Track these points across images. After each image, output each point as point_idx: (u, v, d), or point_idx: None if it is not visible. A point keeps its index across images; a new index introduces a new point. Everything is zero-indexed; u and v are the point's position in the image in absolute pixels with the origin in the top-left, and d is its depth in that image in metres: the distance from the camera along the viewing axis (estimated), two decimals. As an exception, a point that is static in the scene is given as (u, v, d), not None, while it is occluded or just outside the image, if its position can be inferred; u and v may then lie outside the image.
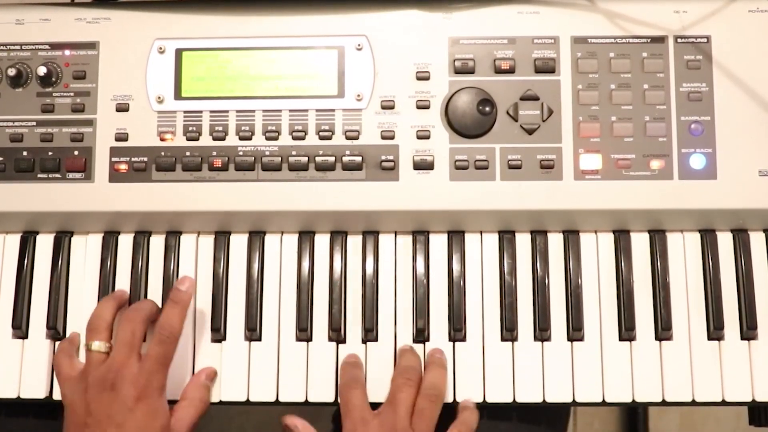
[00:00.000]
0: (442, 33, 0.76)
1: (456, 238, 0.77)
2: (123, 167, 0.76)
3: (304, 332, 0.76)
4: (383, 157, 0.75)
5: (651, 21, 0.76)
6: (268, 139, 0.76)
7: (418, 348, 0.76)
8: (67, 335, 0.77)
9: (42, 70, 0.75)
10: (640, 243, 0.77)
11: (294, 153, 0.75)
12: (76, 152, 0.76)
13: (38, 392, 0.76)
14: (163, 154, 0.76)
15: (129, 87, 0.76)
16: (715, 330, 0.75)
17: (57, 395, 0.76)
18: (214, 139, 0.76)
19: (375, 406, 0.72)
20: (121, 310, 0.75)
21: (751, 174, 0.74)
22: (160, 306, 0.75)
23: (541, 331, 0.75)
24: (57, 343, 0.77)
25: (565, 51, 0.76)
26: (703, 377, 0.74)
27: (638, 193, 0.74)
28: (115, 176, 0.76)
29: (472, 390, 0.74)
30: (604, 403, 0.74)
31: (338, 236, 0.78)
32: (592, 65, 0.75)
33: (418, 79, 0.76)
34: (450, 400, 0.74)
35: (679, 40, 0.76)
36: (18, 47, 0.77)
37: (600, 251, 0.77)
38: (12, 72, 0.75)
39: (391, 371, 0.74)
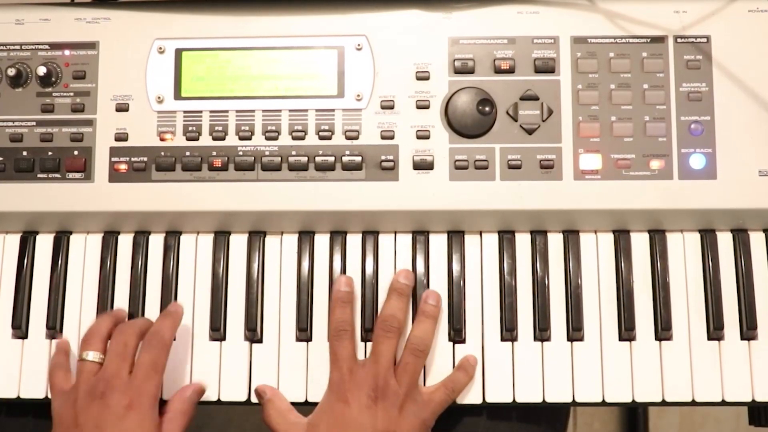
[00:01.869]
0: (442, 33, 0.76)
1: (456, 238, 0.77)
2: (123, 167, 0.76)
3: (303, 332, 0.76)
4: (383, 157, 0.75)
5: (651, 21, 0.76)
6: (267, 139, 0.76)
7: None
8: (65, 336, 0.77)
9: (42, 70, 0.75)
10: (640, 243, 0.77)
11: (294, 153, 0.75)
12: (76, 152, 0.76)
13: (38, 392, 0.76)
14: (162, 154, 0.76)
15: (129, 87, 0.77)
16: (715, 330, 0.75)
17: (57, 395, 0.76)
18: (214, 139, 0.76)
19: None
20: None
21: (751, 174, 0.74)
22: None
23: (541, 331, 0.75)
24: (55, 342, 0.77)
25: (565, 51, 0.76)
26: (702, 377, 0.74)
27: (638, 193, 0.74)
28: (114, 176, 0.76)
29: (472, 390, 0.74)
30: (603, 404, 0.74)
31: (338, 236, 0.78)
32: (592, 65, 0.75)
33: (418, 79, 0.76)
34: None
35: (679, 40, 0.76)
36: (18, 47, 0.77)
37: (600, 251, 0.77)
38: (12, 72, 0.75)
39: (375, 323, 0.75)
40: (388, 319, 0.73)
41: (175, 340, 0.76)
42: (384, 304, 0.74)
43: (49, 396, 0.76)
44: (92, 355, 0.70)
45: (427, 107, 0.75)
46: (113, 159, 0.76)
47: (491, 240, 0.77)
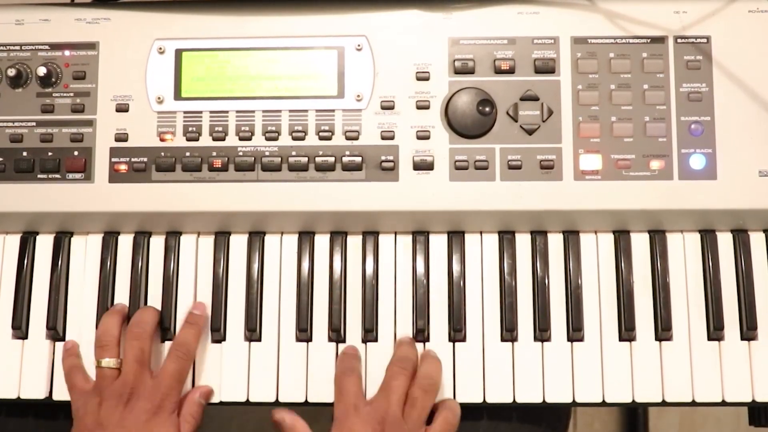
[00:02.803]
0: (442, 33, 0.76)
1: (456, 238, 0.77)
2: (123, 167, 0.76)
3: (304, 332, 0.76)
4: (383, 158, 0.75)
5: (651, 21, 0.76)
6: (268, 139, 0.76)
7: (418, 347, 0.76)
8: (67, 337, 0.77)
9: (42, 71, 0.75)
10: (640, 243, 0.77)
11: (294, 153, 0.75)
12: (76, 152, 0.76)
13: (38, 392, 0.76)
14: (163, 154, 0.76)
15: (129, 87, 0.76)
16: (715, 330, 0.75)
17: (57, 396, 0.76)
18: (214, 139, 0.76)
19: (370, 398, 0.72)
20: (125, 325, 0.75)
21: (751, 174, 0.74)
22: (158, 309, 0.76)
23: (541, 332, 0.75)
24: (56, 343, 0.77)
25: (565, 51, 0.76)
26: (703, 377, 0.74)
27: (638, 194, 0.74)
28: (115, 176, 0.76)
29: (472, 390, 0.74)
30: (604, 404, 0.74)
31: (338, 236, 0.78)
32: (592, 65, 0.75)
33: (418, 79, 0.76)
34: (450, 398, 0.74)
35: (679, 40, 0.75)
36: (18, 47, 0.77)
37: (600, 251, 0.77)
38: (12, 72, 0.75)
39: (387, 363, 0.74)
40: (404, 359, 0.73)
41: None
42: (400, 345, 0.74)
43: (49, 396, 0.76)
44: (109, 362, 0.72)
45: (428, 108, 0.75)
46: (113, 159, 0.76)
47: (491, 240, 0.77)
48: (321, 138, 0.75)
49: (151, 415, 0.69)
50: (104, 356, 0.72)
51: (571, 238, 0.77)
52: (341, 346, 0.76)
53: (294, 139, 0.75)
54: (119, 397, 0.70)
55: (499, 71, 0.75)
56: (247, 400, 0.75)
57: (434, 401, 0.72)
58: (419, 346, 0.76)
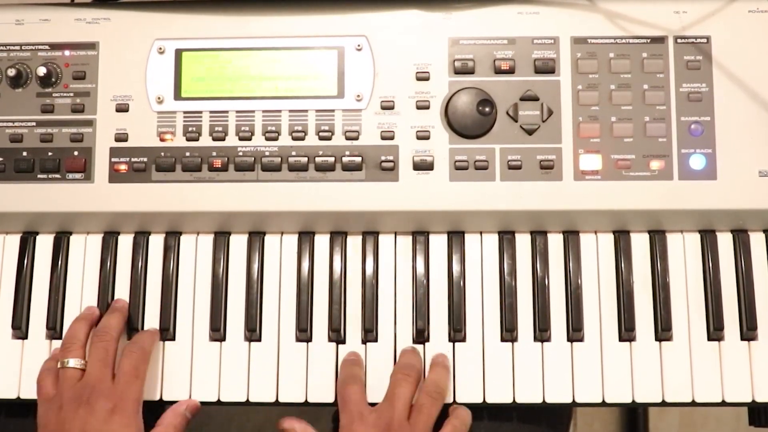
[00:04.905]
0: (442, 33, 0.76)
1: (456, 238, 0.77)
2: (123, 167, 0.76)
3: (303, 333, 0.76)
4: (383, 158, 0.75)
5: (651, 21, 0.76)
6: (267, 139, 0.76)
7: (418, 348, 0.76)
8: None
9: (42, 71, 0.75)
10: (640, 243, 0.77)
11: (294, 153, 0.75)
12: (75, 152, 0.76)
13: (38, 392, 0.76)
14: (162, 154, 0.76)
15: (129, 87, 0.76)
16: (715, 330, 0.75)
17: (57, 395, 0.76)
18: (214, 139, 0.76)
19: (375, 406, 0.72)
20: (93, 330, 0.75)
21: (751, 174, 0.74)
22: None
23: (541, 332, 0.75)
24: (56, 343, 0.77)
25: (565, 51, 0.76)
26: (703, 378, 0.74)
27: (638, 194, 0.74)
28: (114, 176, 0.76)
29: (472, 390, 0.74)
30: (604, 404, 0.74)
31: (338, 237, 0.78)
32: (592, 65, 0.75)
33: (418, 79, 0.76)
34: (450, 400, 0.74)
35: (679, 40, 0.75)
36: (18, 47, 0.77)
37: (600, 252, 0.77)
38: (12, 72, 0.75)
39: (391, 371, 0.74)
40: (409, 366, 0.72)
41: (174, 340, 0.76)
42: (405, 353, 0.74)
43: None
44: (74, 362, 0.72)
45: (427, 108, 0.75)
46: (113, 159, 0.76)
47: (491, 240, 0.77)
48: (321, 138, 0.75)
49: (111, 414, 0.68)
50: (68, 357, 0.72)
51: (571, 238, 0.77)
52: (341, 347, 0.76)
53: (294, 139, 0.75)
54: (79, 398, 0.69)
55: (499, 71, 0.75)
56: (247, 400, 0.75)
57: (440, 409, 0.72)
58: (419, 347, 0.76)
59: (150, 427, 0.71)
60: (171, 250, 0.78)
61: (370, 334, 0.76)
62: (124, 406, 0.69)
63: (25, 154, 0.76)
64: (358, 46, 0.76)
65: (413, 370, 0.72)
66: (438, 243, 0.78)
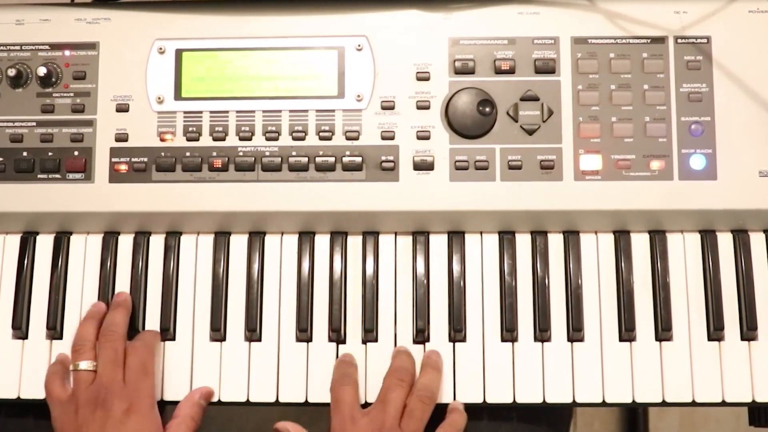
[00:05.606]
0: (442, 33, 0.76)
1: (456, 238, 0.77)
2: (123, 168, 0.76)
3: (304, 333, 0.76)
4: (383, 158, 0.75)
5: (651, 21, 0.76)
6: (268, 139, 0.76)
7: (418, 348, 0.76)
8: (66, 337, 0.77)
9: (42, 71, 0.75)
10: (640, 243, 0.77)
11: (294, 153, 0.75)
12: (76, 152, 0.76)
13: (38, 392, 0.76)
14: (163, 154, 0.76)
15: (129, 87, 0.76)
16: (715, 330, 0.75)
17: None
18: (214, 139, 0.76)
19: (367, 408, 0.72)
20: (101, 329, 0.75)
21: (751, 174, 0.74)
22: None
23: (541, 332, 0.75)
24: (56, 343, 0.77)
25: (565, 51, 0.76)
26: (703, 378, 0.74)
27: (638, 194, 0.74)
28: (115, 176, 0.76)
29: (473, 391, 0.74)
30: (604, 404, 0.74)
31: (338, 237, 0.78)
32: (592, 66, 0.75)
33: (418, 79, 0.76)
34: (450, 400, 0.74)
35: (679, 40, 0.75)
36: (18, 47, 0.77)
37: (600, 252, 0.77)
38: (12, 72, 0.75)
39: (385, 374, 0.74)
40: (401, 369, 0.72)
41: (174, 340, 0.76)
42: (397, 355, 0.74)
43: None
44: (85, 364, 0.72)
45: (428, 108, 0.75)
46: (113, 159, 0.76)
47: (491, 240, 0.77)
48: (321, 138, 0.75)
49: (128, 414, 0.69)
50: (79, 359, 0.72)
51: (572, 238, 0.77)
52: (341, 347, 0.76)
53: (294, 139, 0.75)
54: (94, 401, 0.69)
55: (499, 71, 0.75)
56: (247, 400, 0.75)
57: (431, 411, 0.71)
58: (419, 347, 0.76)
59: (165, 420, 0.71)
60: (171, 250, 0.78)
61: (370, 334, 0.76)
62: (139, 405, 0.70)
63: (25, 154, 0.76)
64: (359, 46, 0.76)
65: (406, 374, 0.72)
66: (438, 243, 0.78)
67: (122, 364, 0.72)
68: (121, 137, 0.76)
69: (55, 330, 0.77)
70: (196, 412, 0.73)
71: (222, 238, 0.78)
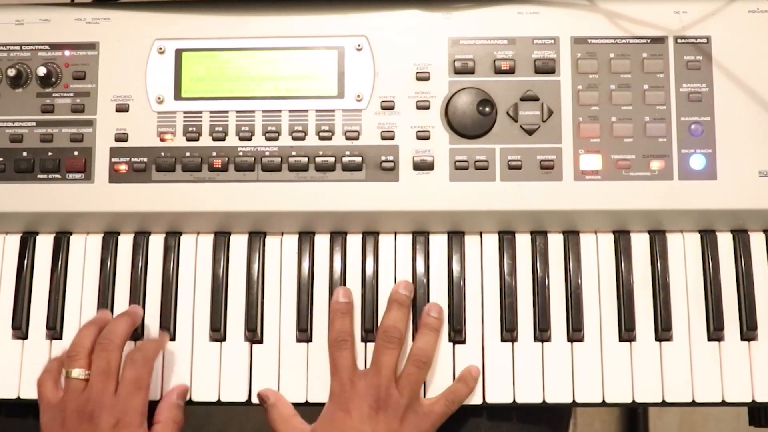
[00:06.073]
0: (442, 33, 0.76)
1: (456, 238, 0.77)
2: (123, 168, 0.76)
3: (304, 333, 0.76)
4: (383, 158, 0.75)
5: (651, 21, 0.76)
6: (268, 139, 0.76)
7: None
8: (66, 337, 0.77)
9: (42, 71, 0.75)
10: (640, 243, 0.77)
11: (294, 153, 0.75)
12: (76, 152, 0.76)
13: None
14: (163, 154, 0.76)
15: (129, 87, 0.76)
16: (715, 330, 0.75)
17: (57, 396, 0.76)
18: (214, 139, 0.76)
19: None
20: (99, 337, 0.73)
21: (751, 174, 0.74)
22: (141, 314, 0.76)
23: (541, 332, 0.75)
24: (56, 343, 0.77)
25: (565, 51, 0.76)
26: (703, 378, 0.74)
27: (638, 194, 0.74)
28: (115, 177, 0.76)
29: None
30: (604, 404, 0.74)
31: (338, 237, 0.78)
32: (592, 66, 0.75)
33: (418, 79, 0.76)
34: (450, 400, 0.74)
35: (679, 40, 0.75)
36: (18, 47, 0.77)
37: (600, 252, 0.77)
38: (12, 72, 0.75)
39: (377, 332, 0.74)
40: (389, 330, 0.73)
41: (174, 340, 0.76)
42: (384, 315, 0.74)
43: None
44: (77, 372, 0.70)
45: (428, 108, 0.75)
46: (113, 159, 0.76)
47: (491, 240, 0.77)
48: (321, 138, 0.75)
49: (115, 429, 0.67)
50: (72, 366, 0.70)
51: (571, 238, 0.77)
52: (341, 346, 0.76)
53: (294, 139, 0.75)
54: (81, 413, 0.68)
55: (499, 71, 0.75)
56: (248, 400, 0.75)
57: (427, 373, 0.73)
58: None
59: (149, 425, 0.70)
60: (171, 250, 0.78)
61: (370, 333, 0.76)
62: (128, 420, 0.68)
63: (25, 154, 0.76)
64: (358, 46, 0.76)
65: (395, 333, 0.72)
66: (438, 243, 0.78)
67: (115, 376, 0.70)
68: (121, 137, 0.76)
69: (54, 330, 0.77)
70: (177, 414, 0.72)
71: (222, 238, 0.78)
